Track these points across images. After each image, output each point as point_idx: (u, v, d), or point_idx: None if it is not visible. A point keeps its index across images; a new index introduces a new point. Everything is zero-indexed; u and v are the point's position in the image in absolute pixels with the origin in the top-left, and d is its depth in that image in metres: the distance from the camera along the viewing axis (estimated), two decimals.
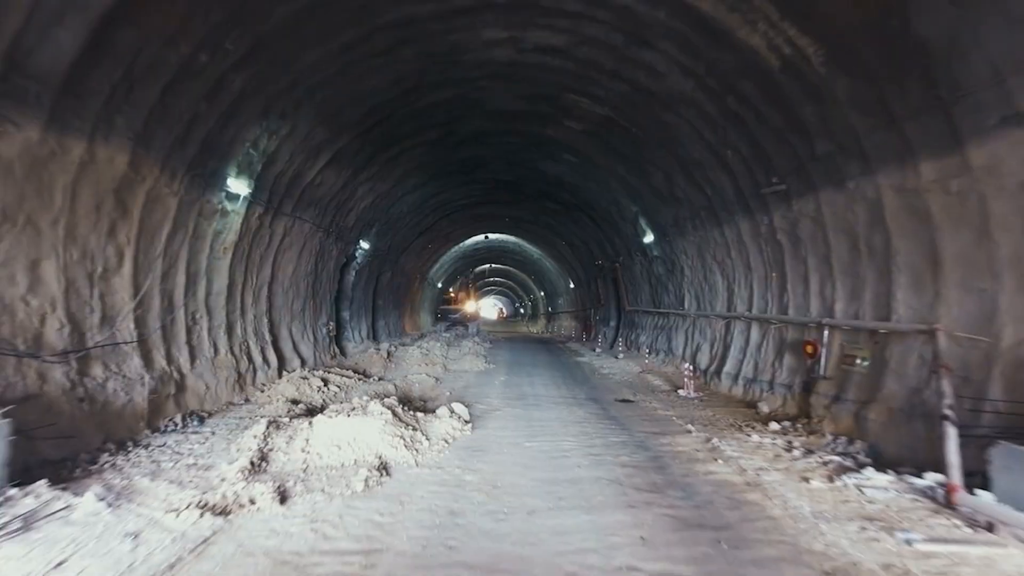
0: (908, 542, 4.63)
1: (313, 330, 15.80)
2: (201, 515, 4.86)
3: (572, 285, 33.03)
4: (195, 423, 8.92)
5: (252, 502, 5.21)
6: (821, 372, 9.53)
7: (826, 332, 9.54)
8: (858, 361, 8.80)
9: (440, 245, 31.38)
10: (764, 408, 10.57)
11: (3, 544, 4.22)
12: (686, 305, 16.12)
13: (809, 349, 9.87)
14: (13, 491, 5.17)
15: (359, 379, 13.51)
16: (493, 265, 47.42)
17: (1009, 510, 5.11)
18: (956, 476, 5.51)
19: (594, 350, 22.80)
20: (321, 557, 4.17)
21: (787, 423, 9.35)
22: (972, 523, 5.02)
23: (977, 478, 5.67)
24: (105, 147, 7.45)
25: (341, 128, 12.77)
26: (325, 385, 11.92)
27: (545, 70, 12.37)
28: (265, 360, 12.52)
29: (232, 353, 11.27)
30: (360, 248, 19.33)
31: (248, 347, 11.95)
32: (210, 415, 9.47)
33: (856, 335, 9.01)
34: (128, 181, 8.04)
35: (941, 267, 7.39)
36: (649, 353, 18.06)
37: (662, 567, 4.12)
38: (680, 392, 12.54)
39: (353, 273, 19.76)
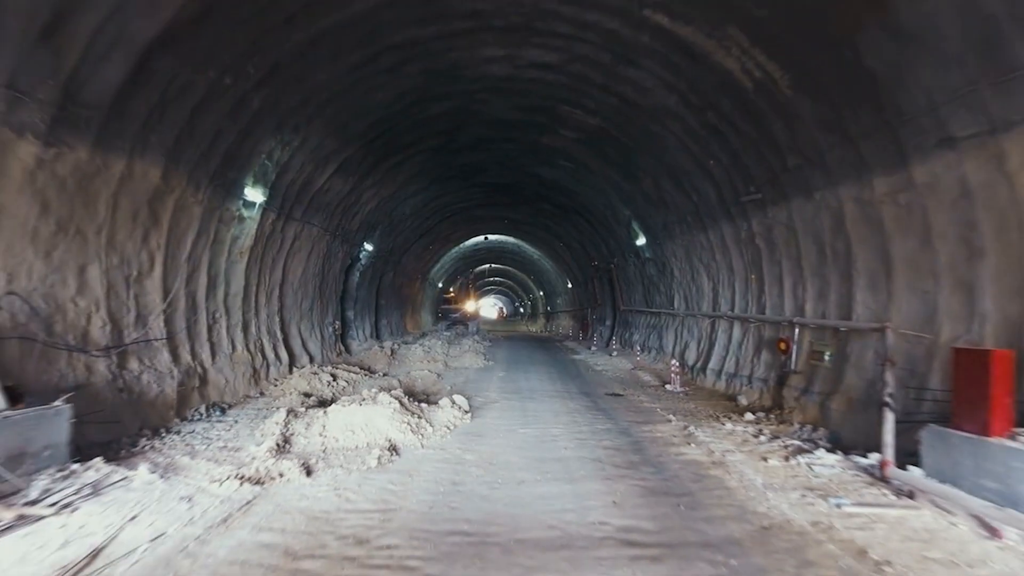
0: (838, 505, 5.53)
1: (320, 329, 16.71)
2: (240, 484, 5.76)
3: (570, 285, 33.93)
4: (218, 413, 9.82)
5: (281, 475, 6.11)
6: (792, 367, 10.44)
7: (797, 330, 10.44)
8: (824, 357, 9.70)
9: (441, 246, 32.28)
10: (743, 401, 11.47)
11: (82, 504, 5.12)
12: (676, 305, 17.02)
13: (782, 346, 10.78)
14: (75, 466, 6.08)
15: (365, 375, 14.41)
16: (493, 265, 48.30)
17: (929, 481, 6.01)
18: (889, 453, 6.41)
19: (590, 348, 23.71)
20: (346, 515, 5.07)
21: (761, 414, 10.25)
22: (898, 492, 5.91)
23: (914, 457, 6.57)
24: (141, 163, 8.35)
25: (348, 138, 13.66)
26: (334, 380, 12.82)
27: (540, 84, 13.25)
28: (277, 357, 13.41)
29: (248, 350, 12.18)
30: (364, 250, 20.22)
31: (262, 344, 12.85)
32: (230, 406, 10.36)
33: (823, 333, 9.92)
34: (159, 193, 8.94)
35: (892, 271, 8.29)
36: (641, 351, 18.96)
37: (627, 522, 5.01)
38: (667, 387, 13.43)
39: (357, 274, 20.66)
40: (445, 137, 16.59)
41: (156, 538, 4.47)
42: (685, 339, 16.08)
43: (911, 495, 5.81)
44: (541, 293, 48.18)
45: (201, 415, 9.54)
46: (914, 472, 6.29)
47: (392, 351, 18.97)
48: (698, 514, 5.26)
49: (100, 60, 6.96)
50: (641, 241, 18.59)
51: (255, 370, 12.20)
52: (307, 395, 11.49)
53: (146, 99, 7.90)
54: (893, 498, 5.79)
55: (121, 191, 8.18)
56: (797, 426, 9.25)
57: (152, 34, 7.30)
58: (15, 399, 5.97)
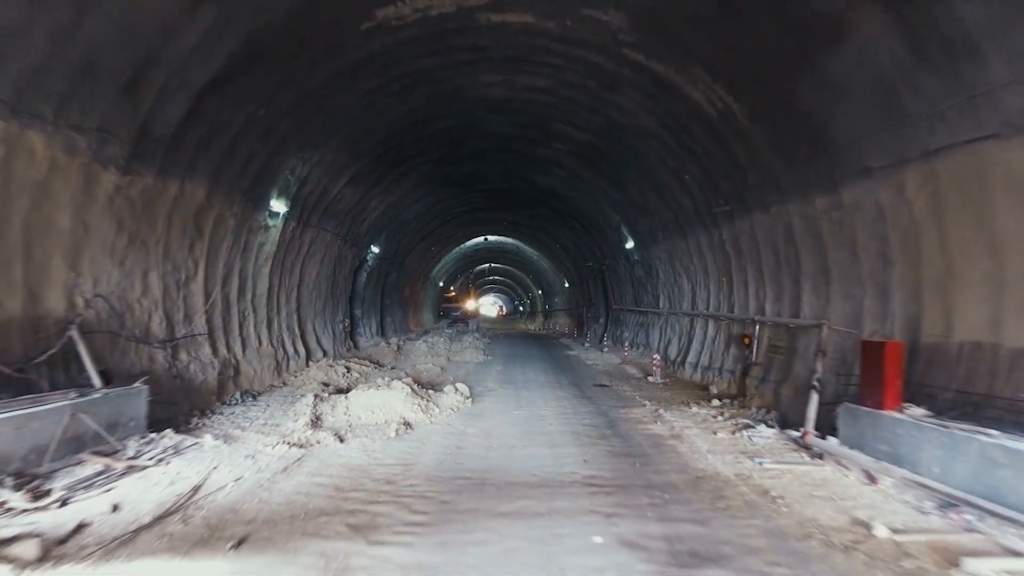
0: (760, 463, 7.11)
1: (332, 326, 18.29)
2: (289, 448, 7.34)
3: (567, 284, 35.50)
4: (250, 399, 11.39)
5: (319, 442, 7.69)
6: (754, 359, 12.03)
7: (757, 327, 12.03)
8: (780, 350, 11.28)
9: (442, 247, 33.86)
10: (713, 389, 13.05)
11: (172, 460, 6.70)
12: (660, 304, 18.59)
13: (746, 341, 12.37)
14: (152, 434, 7.66)
15: (374, 367, 16.00)
16: (492, 265, 49.85)
17: (839, 446, 7.58)
18: (810, 426, 8.00)
19: (583, 345, 25.29)
20: (376, 467, 6.65)
21: (727, 400, 11.82)
22: (812, 454, 7.49)
23: (835, 429, 8.13)
24: (190, 185, 9.92)
25: (360, 153, 15.23)
26: (348, 371, 14.41)
27: (534, 104, 14.81)
28: (296, 351, 15.00)
29: (271, 344, 13.77)
30: (371, 252, 21.79)
31: (283, 340, 14.44)
32: (259, 393, 11.94)
33: (779, 329, 11.50)
34: (203, 209, 10.52)
35: (829, 277, 9.87)
36: (630, 347, 20.53)
37: (592, 473, 6.59)
38: (649, 379, 15.01)
39: (365, 275, 22.23)
40: (447, 149, 18.15)
41: (237, 480, 6.05)
42: (668, 336, 17.66)
43: (821, 456, 7.39)
44: (540, 292, 49.71)
45: (237, 400, 11.11)
46: (830, 440, 7.87)
47: (398, 347, 20.56)
48: (648, 468, 6.85)
49: (165, 104, 8.53)
50: (630, 245, 20.16)
51: (277, 362, 13.79)
52: (325, 384, 13.06)
53: (196, 132, 9.47)
54: (807, 458, 7.37)
55: (174, 209, 9.76)
56: (755, 409, 10.81)
57: (205, 80, 8.88)
58: (107, 380, 7.55)
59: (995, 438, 5.73)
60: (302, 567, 4.10)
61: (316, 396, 10.25)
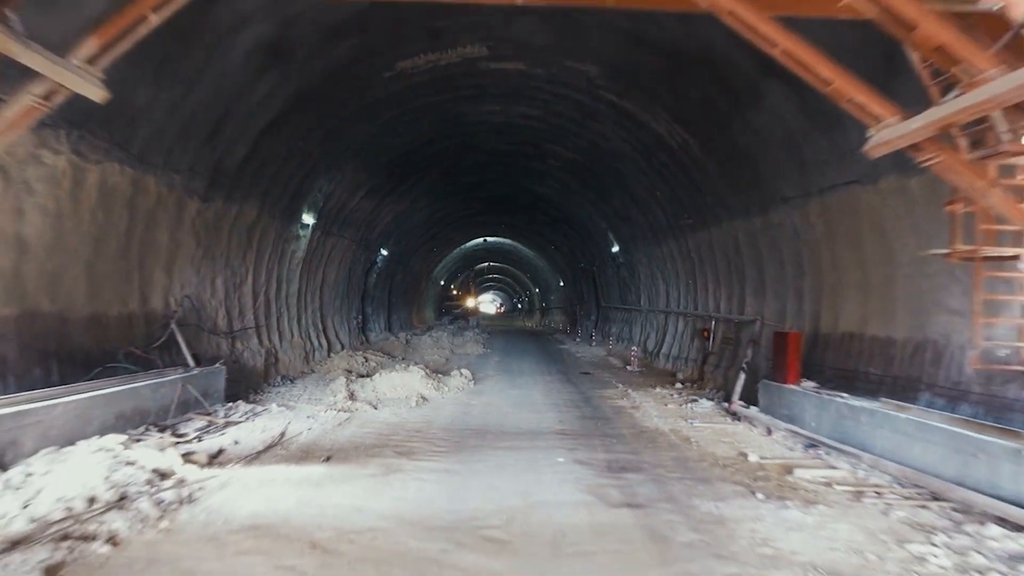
0: (691, 423, 9.67)
1: (347, 322, 20.84)
2: (337, 412, 9.89)
3: (562, 283, 38.05)
4: (288, 382, 13.92)
5: (358, 409, 10.24)
6: (711, 349, 14.60)
7: (714, 322, 14.60)
8: (730, 342, 13.85)
9: (444, 248, 36.40)
10: (680, 376, 15.62)
11: (255, 419, 9.24)
12: (641, 303, 21.16)
13: (705, 334, 14.94)
14: (230, 404, 10.20)
15: (387, 358, 18.54)
16: (491, 264, 52.39)
17: (755, 412, 10.13)
18: (736, 397, 10.58)
19: (575, 340, 27.88)
20: (405, 423, 9.21)
21: (688, 383, 14.39)
22: (734, 418, 10.06)
23: (758, 401, 10.69)
24: (246, 206, 12.45)
25: (374, 171, 17.76)
26: (366, 360, 16.96)
27: (528, 128, 17.34)
28: (319, 343, 17.55)
29: (301, 337, 16.32)
30: (381, 255, 24.32)
31: (310, 333, 17.00)
32: (294, 378, 14.47)
33: (729, 324, 14.06)
34: (253, 225, 13.06)
35: (765, 283, 12.43)
36: (616, 341, 23.11)
37: (564, 428, 9.16)
38: (628, 368, 17.58)
39: (375, 276, 24.76)
40: (450, 164, 20.70)
41: (308, 429, 8.60)
42: (648, 331, 20.24)
43: (739, 418, 9.96)
44: (537, 290, 52.24)
45: (278, 383, 13.65)
46: (752, 408, 10.43)
47: (407, 341, 23.13)
48: (606, 425, 9.42)
49: (233, 146, 11.07)
50: (615, 248, 22.71)
51: (306, 352, 16.34)
52: (348, 371, 15.59)
53: (252, 165, 12.00)
54: (728, 420, 9.95)
55: (233, 226, 12.29)
56: (708, 390, 13.37)
57: (262, 126, 11.41)
58: (197, 362, 10.10)
59: (845, 399, 8.30)
60: (372, 468, 6.64)
61: (346, 378, 12.81)
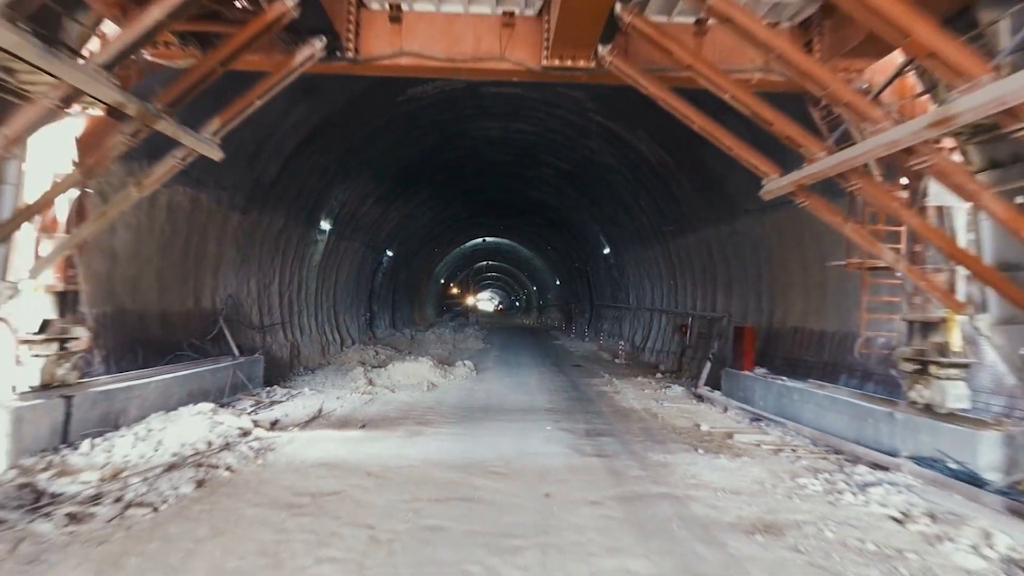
0: (661, 403, 11.58)
1: (357, 319, 22.73)
2: (361, 394, 11.79)
3: (558, 282, 39.94)
4: (309, 372, 15.80)
5: (378, 392, 12.13)
6: (688, 343, 16.51)
7: (691, 319, 16.51)
8: (704, 336, 15.76)
9: (445, 248, 38.27)
10: (662, 367, 17.53)
11: (295, 399, 11.12)
12: (630, 301, 23.08)
13: (683, 330, 16.85)
14: (268, 388, 12.08)
15: (395, 351, 20.43)
16: (490, 262, 54.27)
17: (717, 395, 12.04)
18: (702, 382, 12.49)
19: (570, 336, 29.79)
20: (420, 403, 11.11)
21: (668, 374, 16.30)
22: (699, 399, 11.97)
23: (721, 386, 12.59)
24: (275, 216, 14.32)
25: (382, 180, 19.63)
26: (376, 354, 18.84)
27: (524, 141, 19.22)
28: (333, 338, 19.44)
29: (318, 332, 18.21)
30: (386, 256, 26.18)
31: (325, 329, 18.88)
32: (314, 369, 16.35)
33: (704, 321, 15.98)
34: (280, 232, 14.93)
35: (731, 283, 14.34)
36: (608, 337, 25.03)
37: (553, 406, 11.07)
38: (616, 360, 19.50)
39: (381, 275, 26.63)
40: (453, 172, 22.58)
41: (341, 406, 10.49)
42: (635, 327, 22.16)
43: (703, 400, 11.88)
44: (534, 288, 54.12)
45: (301, 372, 15.54)
46: (715, 392, 12.34)
47: (411, 336, 25.03)
48: (589, 405, 11.33)
49: (268, 166, 12.94)
50: (607, 251, 24.61)
51: (322, 346, 18.23)
52: (362, 363, 17.47)
53: (283, 180, 13.87)
54: (694, 401, 11.87)
55: (265, 234, 14.17)
56: (684, 378, 15.28)
57: (292, 147, 13.29)
58: (240, 352, 11.98)
59: (783, 381, 10.22)
60: (400, 432, 8.53)
61: (363, 368, 14.70)
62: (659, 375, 16.13)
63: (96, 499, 5.18)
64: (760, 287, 13.08)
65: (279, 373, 14.40)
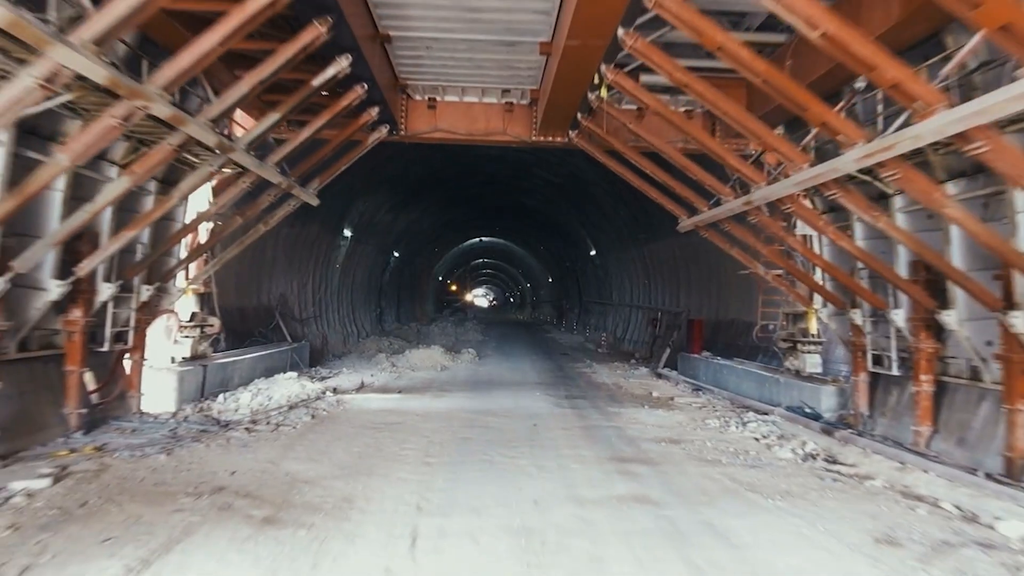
0: (628, 379, 14.96)
1: (369, 313, 26.01)
2: (389, 373, 15.11)
3: (550, 280, 43.32)
4: (336, 359, 19.10)
5: (401, 372, 15.46)
6: (657, 334, 19.93)
7: (660, 313, 19.92)
8: (670, 327, 19.17)
9: (445, 248, 41.56)
10: (637, 355, 20.94)
11: (338, 376, 14.42)
12: (614, 298, 26.48)
13: (654, 323, 20.27)
14: (313, 368, 15.38)
15: (405, 343, 23.75)
16: (486, 260, 57.59)
17: (674, 374, 15.45)
18: (662, 364, 15.92)
19: (560, 329, 33.20)
20: (437, 378, 14.47)
21: (641, 360, 19.71)
22: (659, 377, 15.37)
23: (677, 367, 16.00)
24: (312, 228, 17.60)
25: (396, 192, 22.93)
26: (390, 344, 22.16)
27: (520, 159, 22.49)
28: (352, 330, 22.75)
29: (340, 325, 21.51)
30: (394, 256, 29.46)
31: (346, 322, 22.19)
32: (341, 356, 19.65)
33: (670, 315, 19.39)
34: (314, 240, 18.21)
35: (691, 284, 17.75)
36: (593, 330, 28.43)
37: (541, 381, 14.46)
38: (598, 350, 22.90)
39: (388, 274, 29.90)
40: (455, 183, 25.88)
41: (376, 381, 13.82)
42: (617, 321, 25.58)
43: (662, 377, 15.28)
44: (528, 285, 57.51)
45: (330, 359, 18.83)
46: (673, 372, 15.74)
47: (417, 330, 28.36)
48: (571, 381, 14.72)
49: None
50: (593, 252, 27.98)
51: (344, 337, 21.54)
52: (379, 351, 20.78)
53: (322, 199, 17.11)
54: (654, 378, 15.28)
55: (304, 243, 17.45)
56: (652, 363, 18.69)
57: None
58: (294, 339, 15.27)
59: (718, 360, 13.64)
60: (428, 395, 11.86)
61: (384, 355, 18.01)
62: (633, 360, 19.53)
63: (255, 423, 8.50)
64: (710, 288, 16.46)
65: (315, 358, 17.71)
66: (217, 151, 8.13)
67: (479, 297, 76.45)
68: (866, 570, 4.52)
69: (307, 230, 17.24)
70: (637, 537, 5.02)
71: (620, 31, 6.84)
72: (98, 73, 5.17)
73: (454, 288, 55.27)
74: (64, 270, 7.12)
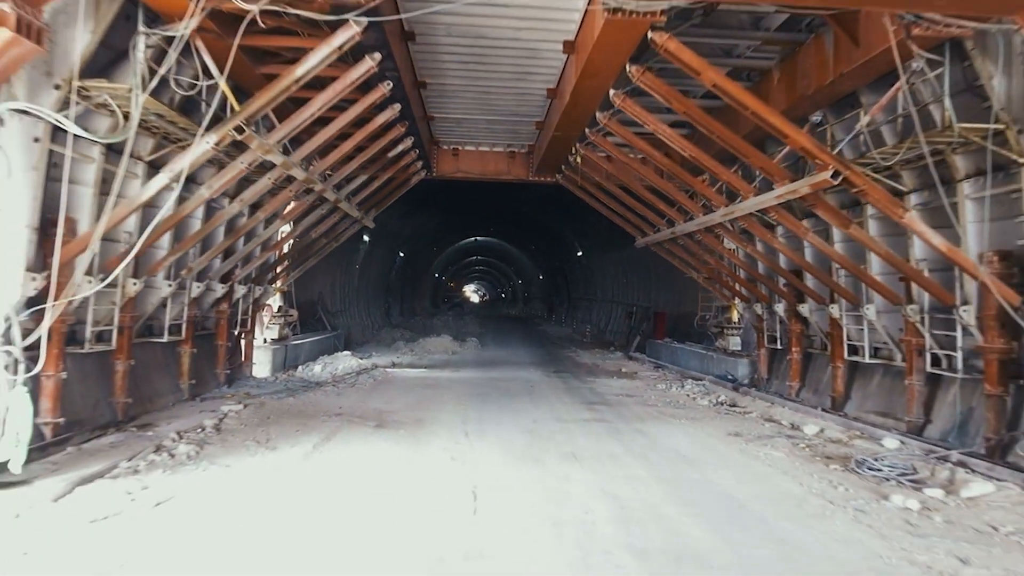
0: (604, 360, 18.93)
1: (379, 308, 29.80)
2: (409, 356, 18.97)
3: (541, 277, 47.22)
4: (361, 346, 22.90)
5: (419, 355, 19.30)
6: (632, 325, 23.93)
7: (635, 308, 23.92)
8: (643, 319, 23.17)
9: (443, 247, 45.34)
10: (615, 343, 24.92)
11: (371, 357, 18.26)
12: (597, 294, 30.45)
13: (629, 316, 24.26)
14: (347, 352, 19.20)
15: (414, 334, 27.60)
16: (480, 257, 61.40)
17: (643, 356, 19.43)
18: (632, 348, 19.92)
19: (550, 322, 37.16)
20: (451, 359, 18.35)
21: (618, 347, 23.69)
22: (630, 360, 19.36)
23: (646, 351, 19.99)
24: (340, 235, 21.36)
25: (407, 201, 26.63)
26: (402, 334, 25.98)
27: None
28: (367, 323, 26.53)
29: (359, 317, 25.31)
30: (399, 257, 33.22)
31: (363, 315, 25.98)
32: (362, 344, 23.44)
33: (643, 309, 23.38)
34: (343, 245, 21.97)
35: (658, 283, 21.74)
36: (580, 323, 32.40)
37: (533, 360, 18.42)
38: (583, 340, 26.87)
39: (394, 273, 33.67)
40: (457, 190, 29.65)
41: (403, 361, 17.67)
42: (600, 315, 29.57)
43: (632, 359, 19.27)
44: (519, 281, 61.38)
45: (355, 347, 22.61)
46: (642, 355, 19.72)
47: (422, 323, 32.21)
48: (558, 362, 18.67)
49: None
50: (580, 253, 31.92)
51: (362, 328, 25.34)
52: (395, 340, 24.61)
53: None
54: (626, 360, 19.27)
55: (334, 249, 21.20)
56: (628, 349, 22.67)
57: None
58: (332, 329, 19.07)
59: (674, 344, 17.65)
60: (448, 370, 15.74)
61: (401, 342, 21.85)
62: (612, 348, 23.49)
63: (336, 383, 12.34)
64: (673, 286, 20.42)
65: (346, 345, 21.55)
66: (310, 188, 11.94)
67: (471, 293, 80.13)
68: (716, 443, 8.48)
69: (336, 240, 20.96)
70: (594, 435, 8.94)
71: (598, 114, 10.74)
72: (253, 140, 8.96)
73: (451, 285, 59.06)
74: (225, 277, 10.92)
